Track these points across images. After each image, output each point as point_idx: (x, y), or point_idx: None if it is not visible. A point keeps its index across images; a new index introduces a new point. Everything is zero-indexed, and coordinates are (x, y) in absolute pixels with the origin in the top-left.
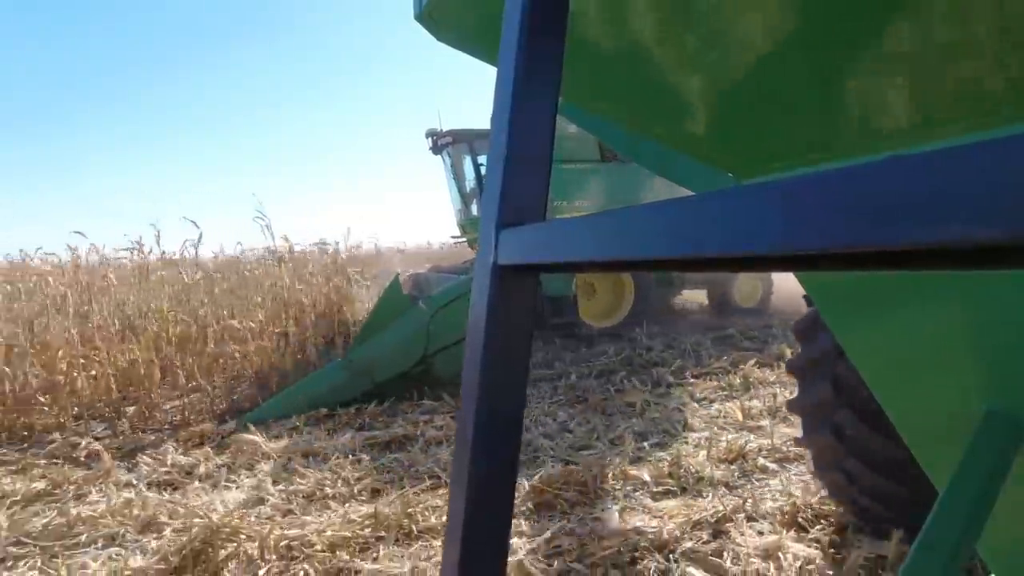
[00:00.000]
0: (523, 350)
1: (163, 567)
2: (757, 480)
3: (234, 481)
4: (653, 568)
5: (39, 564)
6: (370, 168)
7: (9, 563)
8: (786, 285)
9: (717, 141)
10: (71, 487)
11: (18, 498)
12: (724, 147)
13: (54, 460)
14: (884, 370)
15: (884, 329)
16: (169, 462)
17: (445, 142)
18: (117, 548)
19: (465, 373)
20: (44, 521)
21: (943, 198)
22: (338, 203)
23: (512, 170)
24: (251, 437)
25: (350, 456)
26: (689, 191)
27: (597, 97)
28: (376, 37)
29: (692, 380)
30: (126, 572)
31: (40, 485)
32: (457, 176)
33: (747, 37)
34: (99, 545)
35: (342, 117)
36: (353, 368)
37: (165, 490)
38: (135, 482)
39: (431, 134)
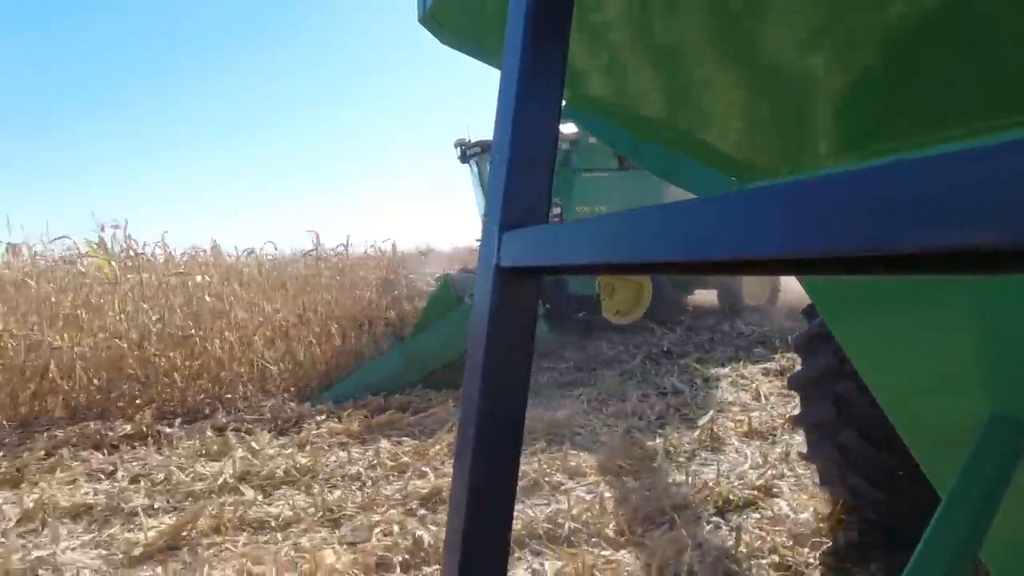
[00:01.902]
0: (525, 352)
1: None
2: None
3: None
4: None
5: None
6: (382, 171)
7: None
8: (792, 284)
9: (720, 145)
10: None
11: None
12: (727, 151)
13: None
14: (887, 374)
15: (887, 333)
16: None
17: (474, 152)
18: None
19: (467, 374)
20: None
21: (947, 202)
22: (346, 205)
23: (515, 172)
24: None
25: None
26: (693, 195)
27: (601, 100)
28: (388, 39)
29: None
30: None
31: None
32: (484, 183)
33: (751, 43)
34: None
35: (356, 120)
36: (408, 358)
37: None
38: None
39: (460, 144)
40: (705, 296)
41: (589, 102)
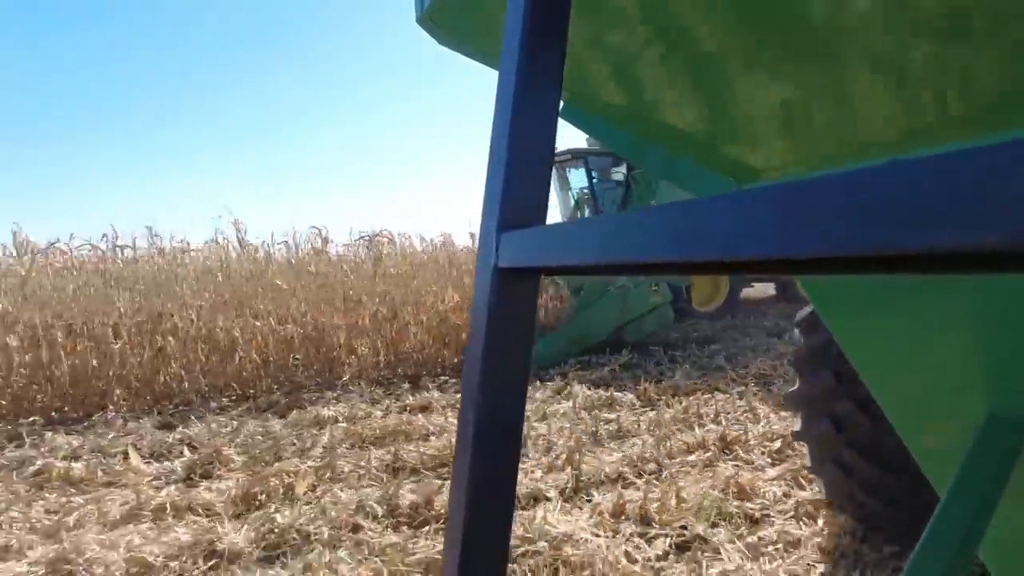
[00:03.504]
0: (524, 351)
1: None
2: None
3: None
4: None
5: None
6: (370, 170)
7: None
8: None
9: (718, 145)
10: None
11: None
12: (725, 151)
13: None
14: (885, 374)
15: (885, 333)
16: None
17: (564, 159)
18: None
19: (465, 373)
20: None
21: (942, 203)
22: (342, 204)
23: (513, 173)
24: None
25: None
26: (691, 194)
27: (599, 100)
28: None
29: None
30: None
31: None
32: (568, 187)
33: (748, 44)
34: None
35: (345, 120)
36: (568, 337)
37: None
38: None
39: None
40: (762, 288)
41: (588, 102)
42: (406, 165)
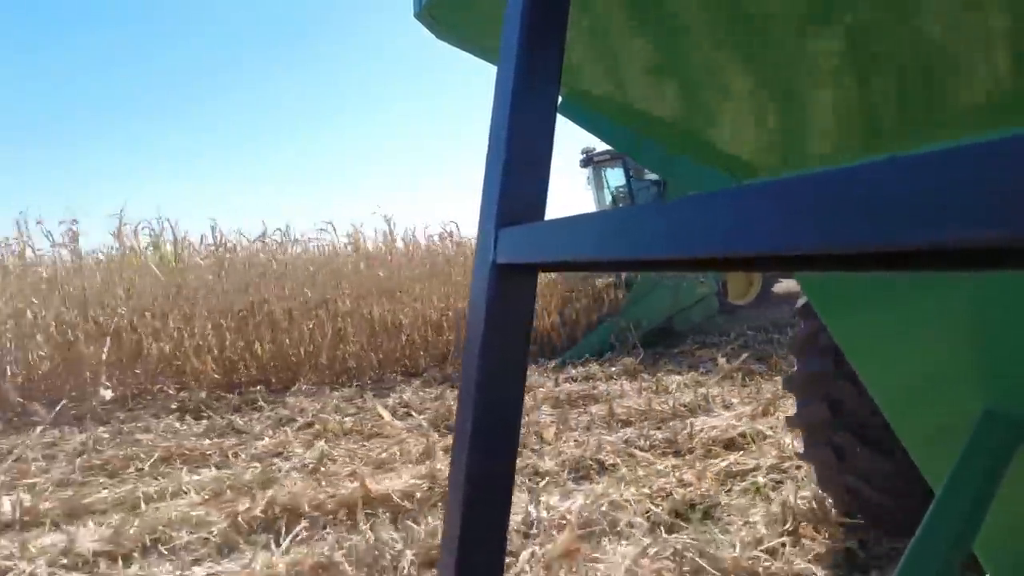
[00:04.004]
0: (521, 347)
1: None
2: None
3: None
4: None
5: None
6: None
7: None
8: None
9: (717, 141)
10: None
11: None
12: (724, 147)
13: None
14: (882, 371)
15: (882, 329)
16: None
17: (602, 159)
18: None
19: (464, 369)
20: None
21: (941, 199)
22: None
23: (512, 169)
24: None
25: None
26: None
27: (598, 97)
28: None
29: None
30: None
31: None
32: (604, 186)
33: (745, 40)
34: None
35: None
36: (624, 325)
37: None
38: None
39: (586, 151)
40: (791, 284)
41: (587, 99)
42: (404, 165)
